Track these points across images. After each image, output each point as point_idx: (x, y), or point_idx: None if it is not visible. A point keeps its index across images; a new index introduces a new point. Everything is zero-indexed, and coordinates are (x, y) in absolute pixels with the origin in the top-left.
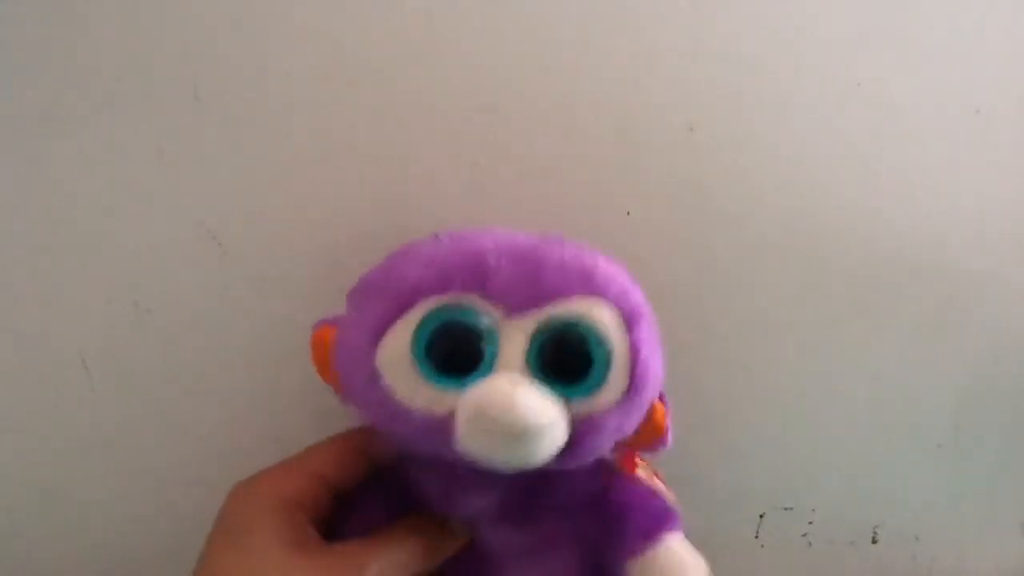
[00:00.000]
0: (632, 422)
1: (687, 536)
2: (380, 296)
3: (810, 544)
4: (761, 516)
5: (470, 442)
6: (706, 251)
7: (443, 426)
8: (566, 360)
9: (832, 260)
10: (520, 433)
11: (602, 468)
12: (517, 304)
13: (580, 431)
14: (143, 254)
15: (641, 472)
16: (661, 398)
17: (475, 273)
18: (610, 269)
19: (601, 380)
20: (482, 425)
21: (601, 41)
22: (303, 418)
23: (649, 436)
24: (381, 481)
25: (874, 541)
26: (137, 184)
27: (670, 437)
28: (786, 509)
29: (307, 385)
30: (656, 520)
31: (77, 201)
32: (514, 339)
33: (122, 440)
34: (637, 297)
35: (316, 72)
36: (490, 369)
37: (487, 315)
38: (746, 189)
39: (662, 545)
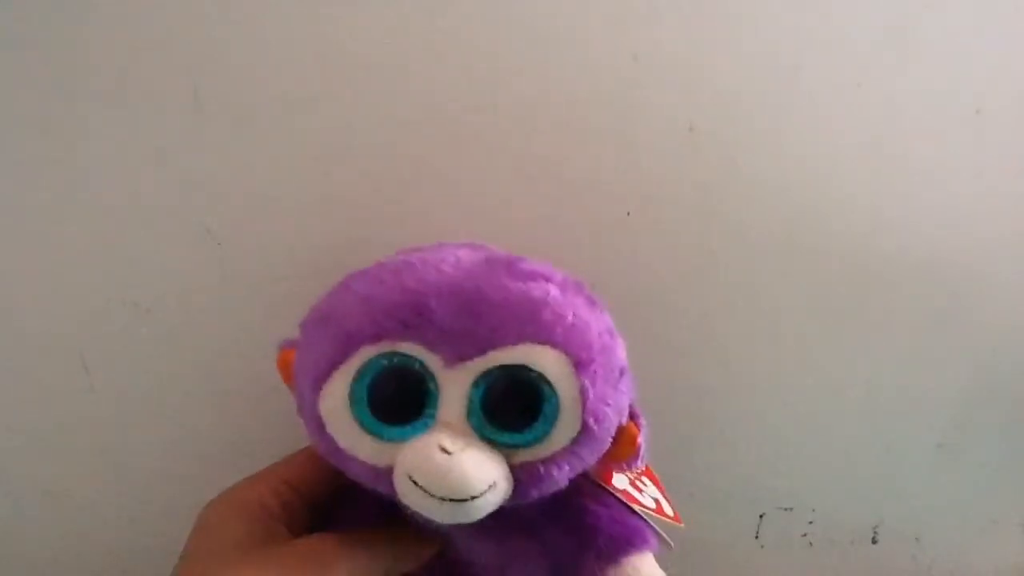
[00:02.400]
0: (590, 457)
1: (686, 536)
2: (321, 340)
3: (810, 544)
4: (761, 516)
5: (408, 501)
6: (706, 251)
7: (387, 477)
8: (514, 403)
9: (832, 260)
10: (454, 500)
11: (575, 481)
12: (457, 352)
13: (525, 481)
14: (143, 254)
15: (618, 480)
16: (633, 416)
17: (413, 320)
18: (560, 303)
19: (547, 431)
20: (417, 490)
21: (601, 41)
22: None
23: (621, 455)
24: (364, 491)
25: (874, 541)
26: (137, 184)
27: (642, 455)
28: (786, 509)
29: None
30: (623, 542)
31: (77, 201)
32: (454, 390)
33: (122, 440)
34: (590, 332)
35: (315, 72)
36: (431, 422)
37: (426, 364)
38: (746, 189)
39: (628, 567)
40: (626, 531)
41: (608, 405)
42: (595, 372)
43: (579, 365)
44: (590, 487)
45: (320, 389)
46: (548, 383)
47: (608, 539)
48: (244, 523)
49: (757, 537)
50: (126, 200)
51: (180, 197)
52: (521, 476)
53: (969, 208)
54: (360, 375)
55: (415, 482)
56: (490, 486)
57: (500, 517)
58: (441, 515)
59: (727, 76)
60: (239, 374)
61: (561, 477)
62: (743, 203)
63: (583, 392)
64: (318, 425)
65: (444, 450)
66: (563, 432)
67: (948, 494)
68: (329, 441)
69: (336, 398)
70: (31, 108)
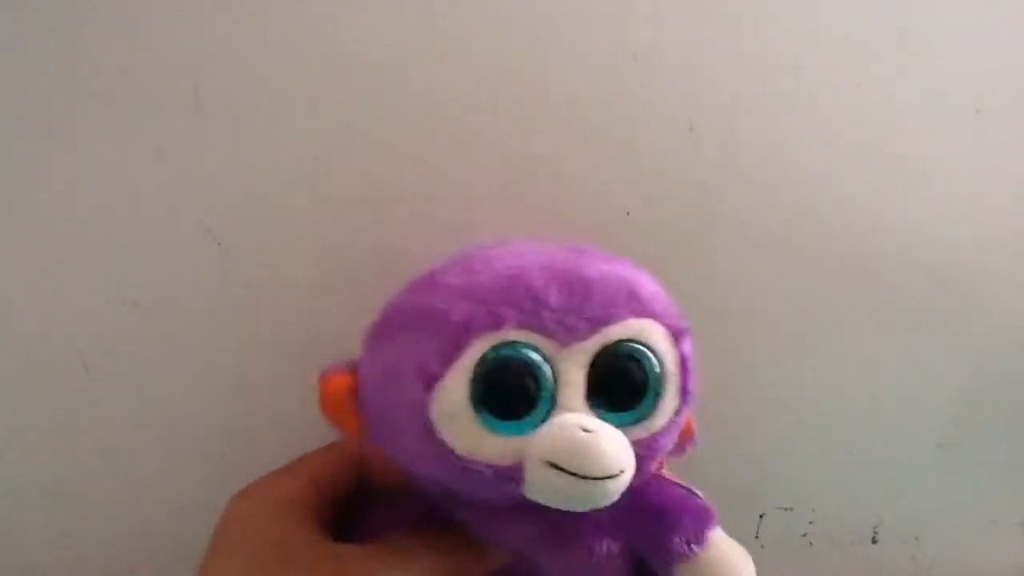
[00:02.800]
0: (682, 426)
1: None
2: (422, 338)
3: (810, 544)
4: (761, 516)
5: (543, 490)
6: (706, 251)
7: (510, 475)
8: (615, 384)
9: (832, 260)
10: (604, 478)
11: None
12: (571, 334)
13: (645, 456)
14: (143, 254)
15: (666, 471)
16: None
17: (526, 306)
18: (649, 280)
19: (658, 403)
20: (560, 475)
21: (601, 41)
22: (303, 418)
23: (682, 440)
24: (399, 499)
25: (874, 541)
26: (137, 184)
27: (696, 436)
28: (786, 509)
29: (307, 386)
30: (699, 521)
31: (77, 201)
32: (573, 372)
33: (122, 440)
34: (676, 307)
35: (315, 73)
36: (553, 407)
37: (543, 350)
38: (746, 189)
39: (710, 546)
40: (699, 509)
41: (697, 377)
42: (689, 343)
43: (678, 335)
44: (651, 480)
45: (431, 390)
46: (657, 357)
47: (687, 518)
48: (282, 523)
49: (757, 537)
50: (125, 200)
51: (180, 197)
52: (640, 452)
53: (969, 208)
54: (480, 369)
55: (558, 467)
56: (632, 461)
57: (576, 522)
58: (584, 499)
59: (727, 76)
60: (239, 374)
61: (667, 449)
62: (743, 203)
63: (685, 361)
64: (423, 433)
65: (585, 430)
66: (668, 404)
67: (948, 494)
68: (441, 450)
69: (456, 399)
70: (31, 108)
